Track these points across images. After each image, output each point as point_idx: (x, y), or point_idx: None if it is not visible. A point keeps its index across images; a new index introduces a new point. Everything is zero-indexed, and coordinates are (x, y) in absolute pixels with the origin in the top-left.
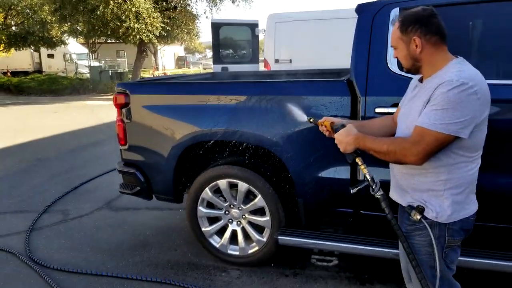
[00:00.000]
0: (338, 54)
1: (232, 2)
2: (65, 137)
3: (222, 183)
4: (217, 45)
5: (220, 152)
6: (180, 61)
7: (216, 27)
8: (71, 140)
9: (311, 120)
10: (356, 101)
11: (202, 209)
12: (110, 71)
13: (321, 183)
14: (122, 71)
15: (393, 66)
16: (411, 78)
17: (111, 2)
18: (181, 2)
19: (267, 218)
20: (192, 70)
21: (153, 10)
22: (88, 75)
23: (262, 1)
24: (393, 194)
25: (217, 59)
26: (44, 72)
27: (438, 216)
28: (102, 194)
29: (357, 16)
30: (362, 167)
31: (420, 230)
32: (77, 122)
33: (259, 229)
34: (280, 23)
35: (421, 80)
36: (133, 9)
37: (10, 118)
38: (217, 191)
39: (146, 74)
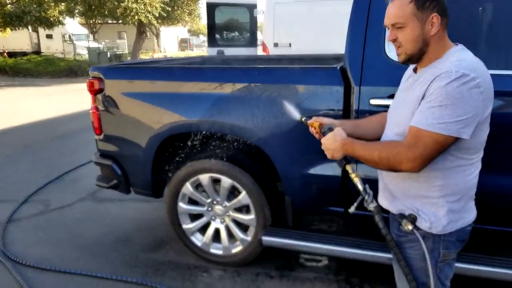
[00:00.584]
0: (342, 38)
1: None
2: (56, 122)
3: (204, 178)
4: (213, 26)
5: (202, 144)
6: (184, 43)
7: (211, 7)
8: (62, 125)
9: (302, 119)
10: (349, 91)
11: (182, 205)
12: (108, 53)
13: (310, 180)
14: (121, 52)
15: (391, 52)
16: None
17: None
18: None
19: (252, 216)
20: (195, 52)
21: None
22: (87, 56)
23: None
24: (382, 200)
25: (212, 41)
26: (43, 53)
27: (432, 227)
28: (87, 184)
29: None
30: (353, 175)
31: (411, 242)
32: (71, 106)
33: (243, 227)
34: (279, 4)
35: (415, 70)
36: None
37: (3, 101)
38: (199, 186)
39: (146, 56)
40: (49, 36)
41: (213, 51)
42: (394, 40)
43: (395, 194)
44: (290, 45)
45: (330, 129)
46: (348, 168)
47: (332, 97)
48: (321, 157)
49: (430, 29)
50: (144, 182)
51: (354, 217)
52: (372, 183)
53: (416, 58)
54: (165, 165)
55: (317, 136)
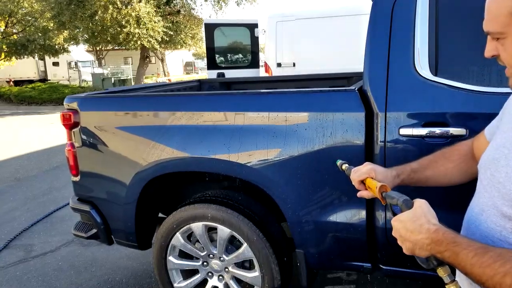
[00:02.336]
0: (348, 56)
1: (237, 4)
2: (52, 152)
3: (197, 227)
4: (212, 48)
5: (195, 185)
6: (188, 67)
7: (210, 28)
8: (57, 155)
9: (343, 167)
10: (372, 118)
11: (173, 260)
12: (113, 78)
13: (327, 229)
14: (126, 78)
15: (423, 69)
16: (450, 86)
17: (110, 7)
18: (185, 6)
19: (256, 273)
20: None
21: (154, 15)
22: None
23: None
24: None
25: (212, 64)
26: (49, 80)
27: None
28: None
29: (372, 3)
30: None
31: None
32: None
33: (247, 286)
34: (281, 23)
35: None
36: (133, 14)
37: (4, 130)
38: (192, 235)
39: (150, 81)
40: (55, 64)
41: (213, 74)
42: (494, 57)
43: None
44: (294, 64)
45: (407, 203)
46: (442, 273)
47: (350, 126)
48: (340, 202)
49: None
50: (127, 231)
51: (384, 275)
52: None
53: None
54: (151, 211)
55: (367, 195)
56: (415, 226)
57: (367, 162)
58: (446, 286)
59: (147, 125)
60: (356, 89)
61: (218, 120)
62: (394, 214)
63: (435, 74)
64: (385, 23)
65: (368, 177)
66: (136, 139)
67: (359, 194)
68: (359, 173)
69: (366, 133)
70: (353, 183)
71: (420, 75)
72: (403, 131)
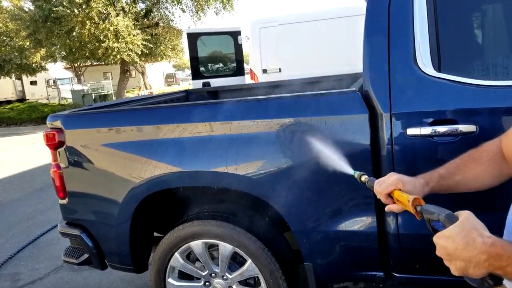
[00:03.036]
0: (334, 58)
1: (216, 14)
2: (35, 173)
3: (197, 245)
4: (195, 58)
5: (189, 202)
6: (169, 79)
7: (193, 37)
8: (40, 177)
9: (362, 179)
10: (376, 120)
11: (173, 282)
12: (93, 94)
13: (337, 238)
14: (106, 93)
15: (426, 66)
16: (455, 82)
17: (87, 22)
18: (164, 18)
19: None
20: (181, 87)
21: (133, 28)
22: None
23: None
24: None
25: (196, 74)
26: (28, 100)
27: None
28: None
29: (367, 0)
30: None
31: None
32: None
33: None
34: (265, 29)
35: None
36: (112, 28)
37: None
38: (191, 253)
39: (132, 95)
40: (33, 83)
41: (198, 84)
42: None
43: None
44: (280, 70)
45: (451, 217)
46: None
47: (353, 129)
48: (349, 210)
49: None
50: (121, 254)
51: (397, 283)
52: None
53: None
54: (146, 230)
55: (396, 209)
56: (466, 241)
57: (392, 173)
58: None
59: (139, 140)
60: (357, 89)
61: (213, 130)
62: (434, 230)
63: (439, 71)
64: (383, 20)
65: (395, 188)
66: (127, 155)
67: (387, 209)
68: (384, 185)
69: (371, 135)
70: (378, 196)
71: (423, 72)
72: (411, 131)
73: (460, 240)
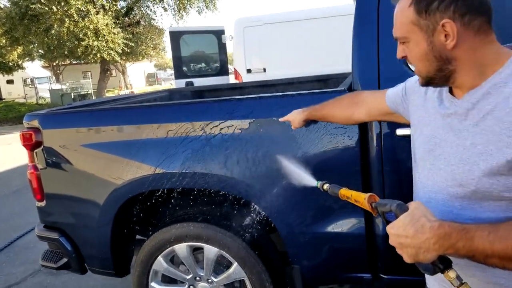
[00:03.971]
0: (319, 59)
1: (199, 13)
2: (12, 175)
3: (181, 248)
4: (178, 57)
5: (172, 204)
6: (151, 78)
7: (175, 36)
8: (17, 178)
9: (324, 187)
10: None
11: (155, 286)
12: (72, 94)
13: (324, 241)
14: (86, 92)
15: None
16: None
17: (66, 20)
18: (145, 16)
19: None
20: (163, 86)
21: (113, 26)
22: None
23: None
24: None
25: (179, 73)
26: (4, 99)
27: None
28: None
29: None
30: None
31: None
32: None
33: None
34: (249, 28)
35: (451, 92)
36: (91, 26)
37: None
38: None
39: (112, 94)
40: (10, 82)
41: (181, 83)
42: (404, 58)
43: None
44: (264, 70)
45: (402, 207)
46: (451, 276)
47: (342, 130)
48: (336, 211)
49: (444, 41)
50: (102, 257)
51: (385, 285)
52: None
53: (441, 80)
54: (128, 233)
55: (370, 211)
56: (416, 229)
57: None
58: None
59: (120, 140)
60: (345, 89)
61: (195, 130)
62: (388, 222)
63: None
64: (372, 20)
65: (353, 192)
66: (108, 156)
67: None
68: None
69: (360, 136)
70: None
71: (413, 71)
72: (400, 131)
73: (411, 228)
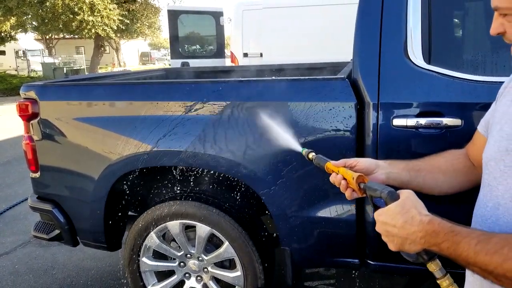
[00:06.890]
0: (316, 46)
1: None
2: (2, 146)
3: (173, 225)
4: (175, 36)
5: (167, 181)
6: (144, 57)
7: (174, 15)
8: (9, 149)
9: (309, 156)
10: (363, 108)
11: (146, 261)
12: (65, 68)
13: (315, 225)
14: (78, 68)
15: (416, 57)
16: (444, 75)
17: None
18: None
19: (238, 273)
20: (157, 66)
21: (109, 2)
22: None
23: None
24: None
25: (175, 53)
26: None
27: None
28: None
29: None
30: (445, 284)
31: None
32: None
33: (227, 286)
34: (248, 11)
35: None
36: (87, 1)
37: None
38: (166, 234)
39: (105, 71)
40: (1, 52)
41: (177, 63)
42: (500, 34)
43: None
44: (261, 55)
45: (393, 195)
46: (434, 267)
47: (339, 118)
48: (328, 197)
49: None
50: (94, 231)
51: (371, 270)
52: None
53: None
54: (121, 209)
55: (347, 192)
56: (405, 219)
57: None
58: (438, 281)
59: (118, 115)
60: (345, 77)
61: (196, 110)
62: (375, 207)
63: (429, 63)
64: (376, 10)
65: (341, 167)
66: (105, 131)
67: (332, 181)
68: (331, 163)
69: (357, 124)
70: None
71: (413, 63)
72: (397, 122)
73: (400, 218)
